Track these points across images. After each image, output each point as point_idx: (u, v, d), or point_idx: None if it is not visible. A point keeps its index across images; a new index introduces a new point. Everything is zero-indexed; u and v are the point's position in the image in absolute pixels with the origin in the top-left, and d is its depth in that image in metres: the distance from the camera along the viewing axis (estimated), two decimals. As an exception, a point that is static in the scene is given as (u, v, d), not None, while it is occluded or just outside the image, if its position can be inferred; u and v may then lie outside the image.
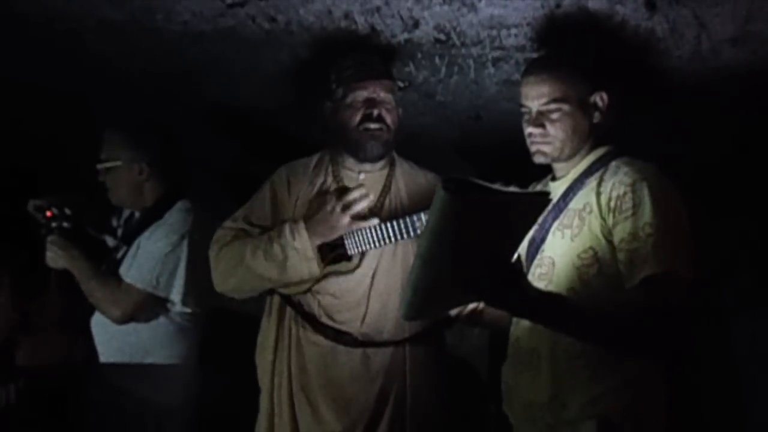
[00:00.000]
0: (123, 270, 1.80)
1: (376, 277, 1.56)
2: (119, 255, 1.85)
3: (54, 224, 1.82)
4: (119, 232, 1.95)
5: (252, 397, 1.65)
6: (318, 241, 1.51)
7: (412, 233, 1.49)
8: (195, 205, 1.86)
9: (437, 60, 1.65)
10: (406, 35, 1.55)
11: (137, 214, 1.91)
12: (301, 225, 1.51)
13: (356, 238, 1.53)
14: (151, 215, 1.83)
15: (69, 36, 1.60)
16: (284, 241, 1.50)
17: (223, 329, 1.97)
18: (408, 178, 1.66)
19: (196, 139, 2.07)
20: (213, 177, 2.24)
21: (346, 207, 1.50)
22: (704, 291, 1.36)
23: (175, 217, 1.82)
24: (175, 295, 1.78)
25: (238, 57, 1.66)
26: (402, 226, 1.50)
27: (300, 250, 1.49)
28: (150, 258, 1.78)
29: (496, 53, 1.60)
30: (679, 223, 1.20)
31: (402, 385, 1.54)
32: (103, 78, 1.80)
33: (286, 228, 1.52)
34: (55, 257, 1.80)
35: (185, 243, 1.79)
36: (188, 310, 1.81)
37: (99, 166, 1.83)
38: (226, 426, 1.99)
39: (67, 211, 1.82)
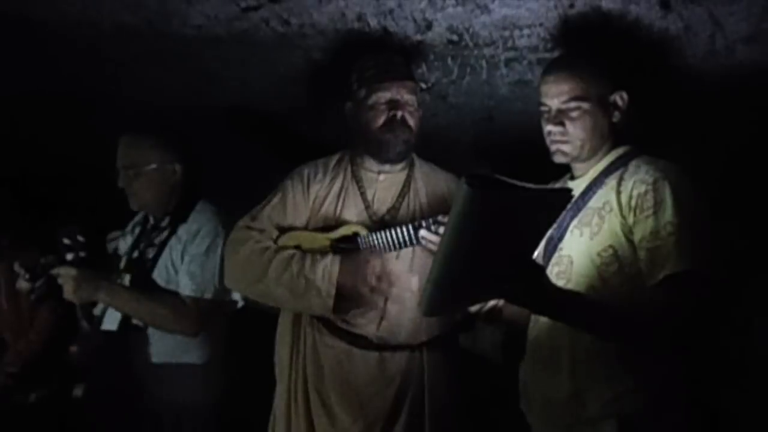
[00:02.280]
0: (160, 277, 1.76)
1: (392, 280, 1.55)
2: (147, 260, 1.80)
3: (70, 256, 1.70)
4: (129, 238, 1.91)
5: (266, 395, 1.65)
6: (341, 283, 1.48)
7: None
8: (217, 205, 1.86)
9: (450, 61, 1.65)
10: (419, 37, 1.55)
11: (152, 219, 1.88)
12: (336, 268, 1.48)
13: (371, 242, 1.53)
14: (177, 218, 1.81)
15: (86, 41, 1.61)
16: (312, 277, 1.48)
17: (241, 326, 1.97)
18: (427, 180, 1.66)
19: (211, 141, 2.08)
20: (228, 179, 2.24)
21: (385, 280, 1.49)
22: (725, 290, 1.35)
23: (207, 219, 1.80)
24: (236, 294, 1.78)
25: (252, 60, 1.67)
26: (418, 230, 1.49)
27: (323, 289, 1.47)
28: (204, 265, 1.76)
29: (509, 54, 1.60)
30: (701, 221, 1.19)
31: (420, 389, 1.54)
32: (119, 83, 1.82)
33: (320, 267, 1.49)
34: (81, 293, 1.68)
35: (221, 240, 1.78)
36: (242, 304, 1.81)
37: (131, 172, 1.78)
38: (241, 423, 1.98)
39: (80, 239, 1.73)
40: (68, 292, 1.69)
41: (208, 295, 1.75)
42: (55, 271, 1.69)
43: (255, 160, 2.18)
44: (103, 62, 1.72)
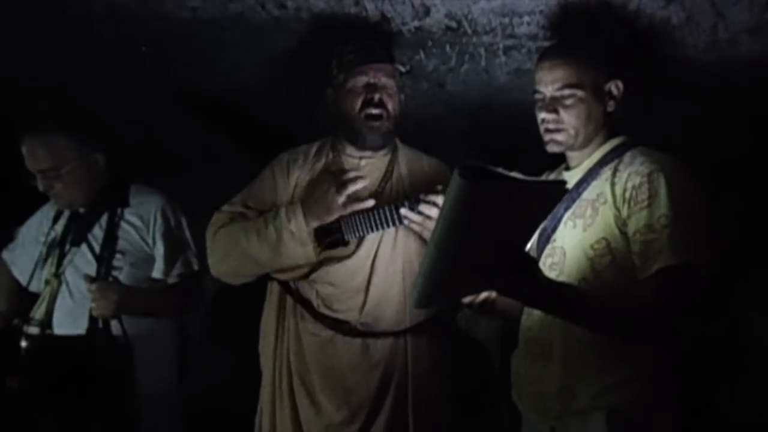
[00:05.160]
0: (124, 264, 1.71)
1: (375, 264, 1.55)
2: (91, 251, 1.71)
3: (121, 274, 1.68)
4: (52, 236, 1.76)
5: (254, 385, 1.65)
6: (314, 224, 1.48)
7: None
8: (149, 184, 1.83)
9: (448, 48, 1.63)
10: (416, 23, 1.53)
11: (82, 211, 1.76)
12: (298, 207, 1.49)
13: (353, 223, 1.51)
14: (114, 203, 1.75)
15: (77, 22, 1.59)
16: (279, 223, 1.48)
17: (229, 313, 1.96)
18: (411, 165, 1.64)
19: (201, 126, 2.06)
20: (218, 163, 2.22)
21: (342, 187, 1.47)
22: (719, 284, 1.34)
23: (154, 199, 1.78)
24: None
25: (246, 43, 1.65)
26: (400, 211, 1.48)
27: (295, 232, 1.47)
28: (187, 242, 1.78)
29: (508, 42, 1.58)
30: (696, 214, 1.18)
31: (403, 375, 1.53)
32: (112, 65, 1.79)
33: (282, 210, 1.51)
34: (120, 308, 1.62)
35: (183, 217, 1.81)
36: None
37: (51, 174, 1.67)
38: (227, 412, 1.98)
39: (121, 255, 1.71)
40: (106, 309, 1.61)
41: (194, 268, 1.77)
42: (92, 288, 1.61)
43: (245, 144, 2.16)
44: (96, 43, 1.69)
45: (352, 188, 1.48)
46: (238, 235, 1.52)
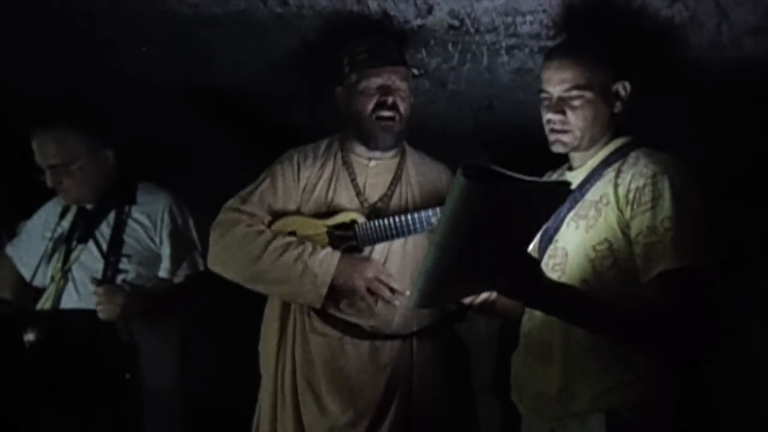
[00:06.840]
0: (131, 261, 1.71)
1: (385, 268, 1.53)
2: (98, 247, 1.71)
3: (121, 277, 1.67)
4: (59, 231, 1.76)
5: (252, 384, 1.64)
6: (337, 276, 1.46)
7: (426, 227, 1.48)
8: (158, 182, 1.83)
9: (450, 47, 1.63)
10: (419, 21, 1.52)
11: (88, 206, 1.76)
12: (335, 261, 1.46)
13: (368, 231, 1.51)
14: (122, 200, 1.74)
15: (80, 18, 1.58)
16: (310, 264, 1.45)
17: (225, 312, 1.96)
18: (419, 168, 1.64)
19: (202, 123, 2.05)
20: (219, 160, 2.21)
21: (383, 280, 1.47)
22: (721, 288, 1.34)
23: (163, 198, 1.77)
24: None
25: (248, 41, 1.64)
26: (416, 220, 1.48)
27: (318, 277, 1.45)
28: (194, 242, 1.78)
29: (511, 41, 1.57)
30: (699, 217, 1.18)
31: (408, 377, 1.53)
32: (114, 62, 1.79)
33: (319, 255, 1.47)
34: (126, 311, 1.61)
35: (190, 217, 1.81)
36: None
37: (61, 170, 1.67)
38: (222, 411, 1.98)
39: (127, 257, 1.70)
40: (112, 312, 1.60)
41: (200, 268, 1.77)
42: (98, 291, 1.60)
43: (246, 143, 2.16)
44: (98, 40, 1.69)
45: (385, 294, 1.48)
46: (259, 257, 1.48)
